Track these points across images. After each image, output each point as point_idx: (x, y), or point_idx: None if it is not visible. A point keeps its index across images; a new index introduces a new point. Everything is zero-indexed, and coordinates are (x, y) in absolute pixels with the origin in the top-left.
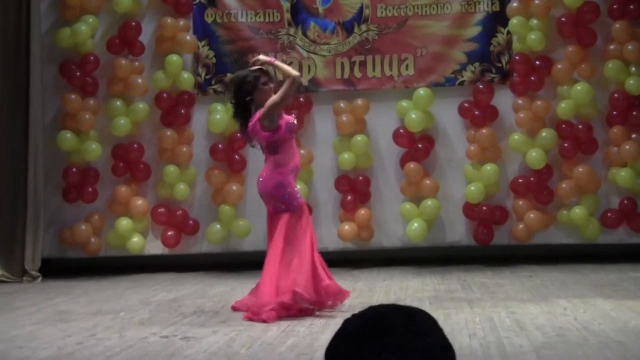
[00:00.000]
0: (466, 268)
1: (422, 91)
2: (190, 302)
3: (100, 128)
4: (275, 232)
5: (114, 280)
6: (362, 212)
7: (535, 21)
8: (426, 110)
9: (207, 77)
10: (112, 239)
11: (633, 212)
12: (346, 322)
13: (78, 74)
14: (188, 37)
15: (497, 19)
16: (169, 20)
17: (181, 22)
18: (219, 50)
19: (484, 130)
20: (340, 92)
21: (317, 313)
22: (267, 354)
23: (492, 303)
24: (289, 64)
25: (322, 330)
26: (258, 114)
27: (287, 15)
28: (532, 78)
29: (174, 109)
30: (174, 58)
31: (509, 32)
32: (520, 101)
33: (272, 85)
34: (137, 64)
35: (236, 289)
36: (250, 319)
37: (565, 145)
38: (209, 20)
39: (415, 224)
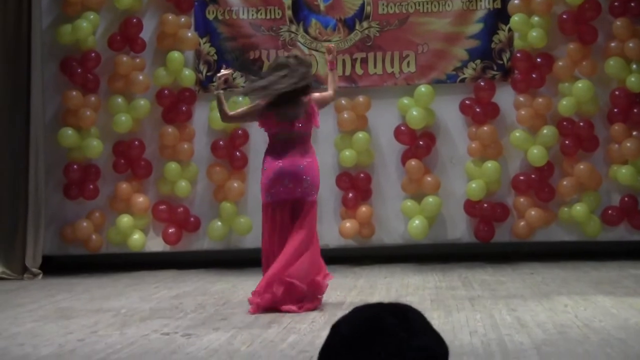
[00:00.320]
0: (467, 265)
1: (423, 88)
2: (192, 299)
3: (101, 125)
4: (301, 219)
5: (115, 277)
6: (364, 209)
7: (536, 18)
8: (427, 107)
9: (208, 74)
10: (113, 236)
11: (634, 209)
12: (336, 328)
13: (79, 70)
14: (189, 34)
15: (499, 16)
16: (170, 17)
17: (182, 19)
18: (220, 47)
19: (485, 128)
20: (342, 89)
21: (319, 310)
22: (268, 352)
23: (493, 300)
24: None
25: (323, 328)
26: (310, 100)
27: (289, 12)
28: (534, 75)
29: (175, 106)
30: (175, 55)
31: (510, 29)
32: (521, 98)
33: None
34: (138, 60)
35: (237, 286)
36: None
37: (567, 142)
38: (211, 17)
39: (417, 221)
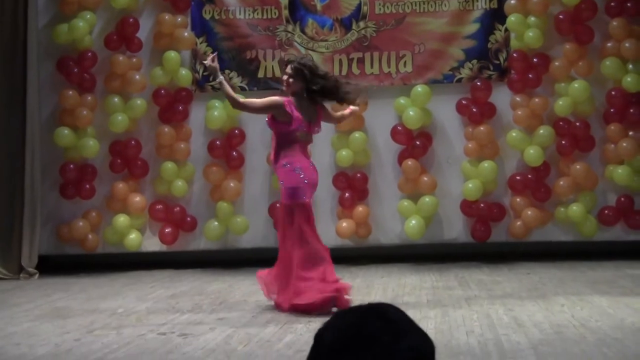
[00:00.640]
0: (464, 265)
1: (420, 88)
2: (188, 299)
3: (97, 124)
4: (311, 226)
5: (111, 277)
6: (360, 209)
7: (533, 18)
8: (424, 107)
9: (205, 73)
10: (109, 235)
11: (630, 209)
12: (320, 336)
13: (76, 70)
14: (186, 34)
15: (495, 16)
16: (166, 17)
17: (179, 19)
18: (217, 46)
19: (481, 128)
20: None
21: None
22: (264, 351)
23: (489, 300)
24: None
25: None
26: (320, 108)
27: (285, 12)
28: (530, 75)
29: (171, 106)
30: (172, 54)
31: (506, 30)
32: (517, 98)
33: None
34: (135, 60)
35: (234, 285)
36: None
37: (563, 142)
38: (207, 16)
39: (413, 221)
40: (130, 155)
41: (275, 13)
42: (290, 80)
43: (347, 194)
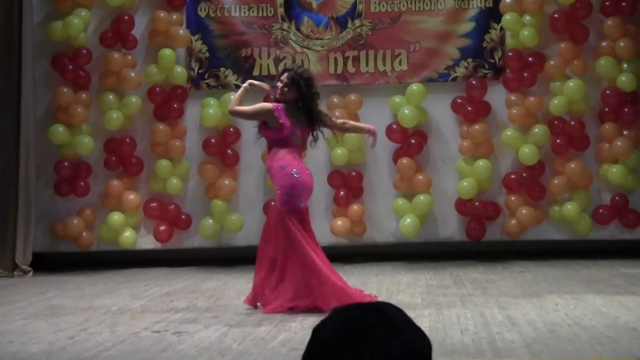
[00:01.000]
0: (458, 263)
1: (415, 87)
2: (183, 297)
3: (92, 122)
4: (308, 230)
5: (106, 274)
6: (355, 207)
7: (528, 17)
8: (419, 105)
9: (200, 71)
10: (104, 233)
11: (624, 208)
12: (317, 332)
13: (70, 67)
14: (181, 31)
15: (491, 15)
16: (162, 14)
17: (174, 16)
18: (212, 44)
19: (476, 126)
20: (334, 87)
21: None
22: (259, 349)
23: (484, 298)
24: (282, 59)
25: (314, 325)
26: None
27: (281, 10)
28: (525, 74)
29: (166, 103)
30: (167, 52)
31: (502, 28)
32: (513, 97)
33: None
34: (130, 57)
35: (228, 283)
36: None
37: (558, 141)
38: (202, 14)
39: (408, 220)
40: (125, 152)
41: (270, 11)
42: (285, 89)
43: (342, 192)
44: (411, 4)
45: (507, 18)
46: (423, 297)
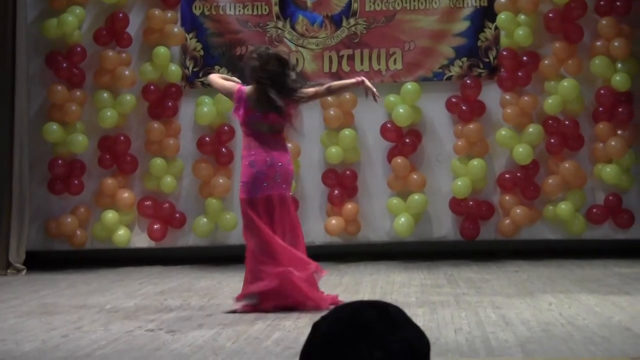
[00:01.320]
0: (453, 263)
1: (409, 86)
2: (177, 295)
3: (86, 120)
4: (285, 217)
5: (99, 273)
6: (349, 206)
7: (523, 17)
8: (414, 104)
9: (194, 69)
10: (98, 231)
11: (618, 208)
12: (317, 327)
13: (65, 65)
14: (176, 29)
15: (485, 14)
16: (156, 12)
17: (169, 14)
18: (206, 42)
19: (471, 125)
20: None
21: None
22: (253, 348)
23: (478, 298)
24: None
25: (308, 324)
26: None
27: (276, 9)
28: (520, 73)
29: (161, 101)
30: (161, 50)
31: (496, 28)
32: (507, 96)
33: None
34: (124, 55)
35: (222, 282)
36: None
37: (552, 140)
38: (197, 12)
39: (402, 219)
40: (119, 151)
41: (265, 9)
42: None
43: (336, 191)
44: (406, 3)
45: (502, 17)
46: (417, 297)
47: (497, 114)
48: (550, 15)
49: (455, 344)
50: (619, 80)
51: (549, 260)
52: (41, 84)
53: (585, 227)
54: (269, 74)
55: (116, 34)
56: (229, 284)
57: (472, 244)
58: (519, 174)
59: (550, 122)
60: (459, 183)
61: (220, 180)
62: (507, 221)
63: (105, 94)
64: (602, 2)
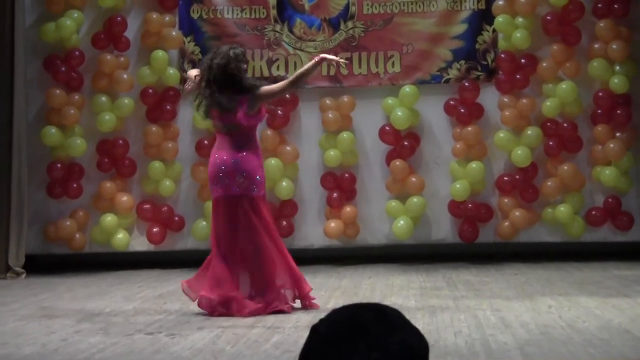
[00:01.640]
0: (451, 265)
1: (408, 88)
2: (176, 298)
3: (85, 123)
4: (252, 217)
5: (98, 276)
6: (348, 209)
7: (520, 19)
8: (412, 107)
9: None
10: (97, 235)
11: (617, 210)
12: (315, 329)
13: (63, 69)
14: (174, 33)
15: (483, 17)
16: (154, 16)
17: (167, 18)
18: (204, 46)
19: (469, 128)
20: (327, 88)
21: (303, 311)
22: (252, 351)
23: (477, 301)
24: (275, 61)
25: (307, 327)
26: (242, 96)
27: (273, 12)
28: (518, 76)
29: (159, 105)
30: (159, 54)
31: (494, 30)
32: (505, 99)
33: (246, 66)
34: (122, 59)
35: None
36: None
37: (550, 143)
38: (195, 16)
39: (401, 222)
40: (117, 154)
41: (263, 13)
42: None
43: (335, 194)
44: (404, 5)
45: (500, 20)
46: (416, 300)
47: (496, 116)
48: (548, 17)
49: (455, 347)
50: (617, 83)
51: (548, 262)
52: (39, 87)
53: (584, 230)
54: (224, 74)
55: (114, 37)
56: None
57: (471, 246)
58: (517, 177)
59: (548, 124)
60: (458, 186)
61: None
62: (506, 224)
63: (103, 98)
64: (600, 5)
